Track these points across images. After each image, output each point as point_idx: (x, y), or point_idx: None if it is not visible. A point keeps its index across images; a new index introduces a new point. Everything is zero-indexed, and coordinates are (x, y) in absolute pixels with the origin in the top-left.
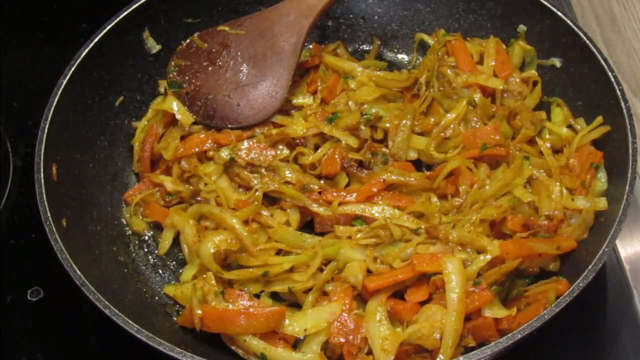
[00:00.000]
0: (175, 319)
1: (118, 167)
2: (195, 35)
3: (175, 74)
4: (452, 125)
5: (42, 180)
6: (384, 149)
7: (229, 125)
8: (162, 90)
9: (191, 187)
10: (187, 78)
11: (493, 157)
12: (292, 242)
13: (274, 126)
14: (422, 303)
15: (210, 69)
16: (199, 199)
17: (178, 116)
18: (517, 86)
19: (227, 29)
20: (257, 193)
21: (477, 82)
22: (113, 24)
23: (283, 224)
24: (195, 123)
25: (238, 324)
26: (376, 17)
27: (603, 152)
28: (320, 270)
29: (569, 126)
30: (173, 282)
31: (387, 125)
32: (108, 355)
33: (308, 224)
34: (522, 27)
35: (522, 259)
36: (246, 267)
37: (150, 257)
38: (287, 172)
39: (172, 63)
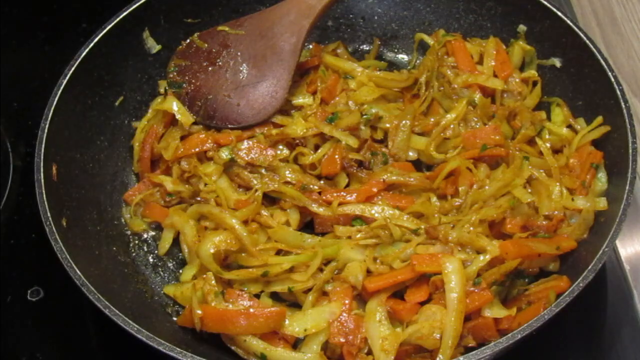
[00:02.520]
0: (175, 319)
1: (118, 167)
2: (195, 35)
3: (175, 74)
4: (452, 126)
5: (42, 180)
6: (384, 149)
7: (229, 126)
8: (162, 90)
9: (191, 187)
10: (187, 78)
11: (493, 157)
12: (292, 242)
13: (274, 126)
14: (422, 303)
15: (210, 69)
16: (198, 199)
17: (178, 116)
18: (517, 86)
19: (227, 29)
20: (257, 193)
21: (477, 82)
22: (113, 24)
23: (283, 224)
24: (195, 123)
25: (238, 324)
26: (376, 17)
27: (603, 152)
28: (320, 270)
29: (569, 126)
30: (173, 282)
31: (387, 125)
32: (108, 355)
33: (308, 224)
34: (522, 27)
35: (522, 259)
36: (246, 267)
37: (150, 257)
38: (287, 172)
39: (172, 63)
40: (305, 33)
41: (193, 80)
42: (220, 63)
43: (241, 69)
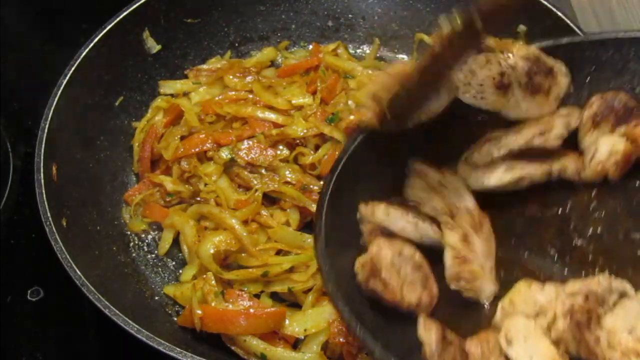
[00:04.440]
0: (175, 319)
1: (118, 167)
2: None
3: None
4: None
5: (42, 180)
6: None
7: None
8: (162, 90)
9: (191, 187)
10: None
11: None
12: (292, 242)
13: (274, 126)
14: None
15: None
16: (198, 199)
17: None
18: None
19: None
20: (257, 193)
21: None
22: (113, 24)
23: (283, 224)
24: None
25: (238, 324)
26: (376, 17)
27: None
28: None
29: None
30: (173, 282)
31: None
32: (108, 355)
33: (308, 224)
34: (522, 27)
35: None
36: (246, 267)
37: (150, 257)
38: (287, 172)
39: None
40: None
41: None
42: None
43: None
